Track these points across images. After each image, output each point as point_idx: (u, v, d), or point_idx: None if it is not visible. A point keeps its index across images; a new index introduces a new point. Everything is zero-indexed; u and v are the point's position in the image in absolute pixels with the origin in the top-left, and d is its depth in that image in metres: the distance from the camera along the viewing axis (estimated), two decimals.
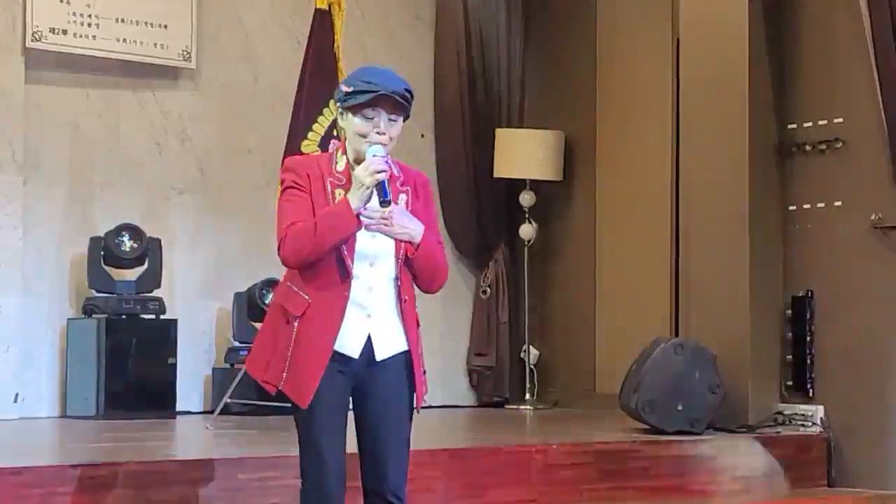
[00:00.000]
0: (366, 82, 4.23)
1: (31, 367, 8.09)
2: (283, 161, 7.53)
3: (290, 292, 4.25)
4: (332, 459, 4.21)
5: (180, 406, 8.20)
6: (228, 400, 7.90)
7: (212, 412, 8.09)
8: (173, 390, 8.11)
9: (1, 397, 7.89)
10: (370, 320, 4.24)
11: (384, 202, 4.16)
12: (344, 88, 4.27)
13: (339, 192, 4.22)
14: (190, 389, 8.48)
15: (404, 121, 4.33)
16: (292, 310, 4.22)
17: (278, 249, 4.21)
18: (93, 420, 7.85)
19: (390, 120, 4.26)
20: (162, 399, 8.04)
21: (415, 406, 4.34)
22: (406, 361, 4.30)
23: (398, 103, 4.25)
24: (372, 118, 4.23)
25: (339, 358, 4.21)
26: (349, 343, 4.22)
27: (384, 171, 4.15)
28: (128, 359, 8.01)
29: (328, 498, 4.22)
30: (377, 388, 4.27)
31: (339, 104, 4.30)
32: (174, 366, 8.10)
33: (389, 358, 4.27)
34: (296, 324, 4.20)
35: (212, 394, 8.48)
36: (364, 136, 4.23)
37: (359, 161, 4.24)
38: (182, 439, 7.39)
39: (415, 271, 4.30)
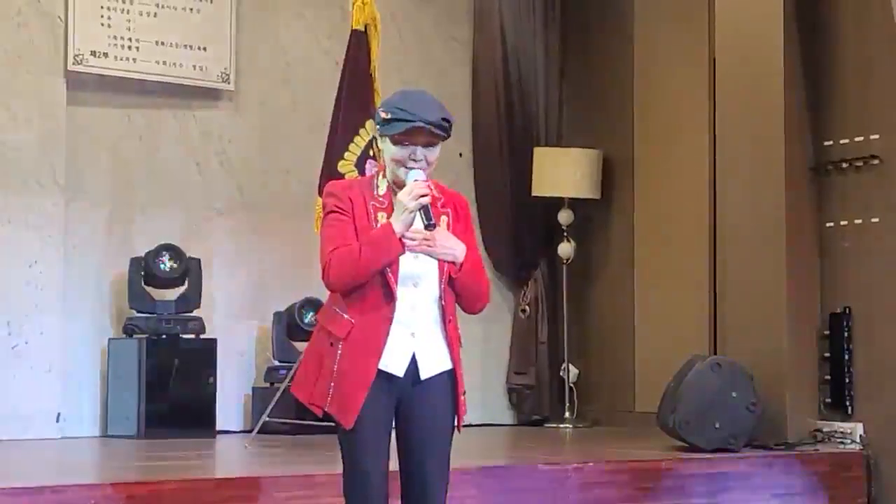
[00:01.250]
0: (402, 110, 4.23)
1: (72, 387, 8.16)
2: (320, 181, 7.64)
3: (334, 314, 4.28)
4: (375, 479, 4.23)
5: (220, 425, 8.25)
6: (267, 419, 7.95)
7: (251, 431, 8.15)
8: (213, 410, 8.16)
9: (43, 417, 7.97)
10: (414, 339, 4.26)
11: (429, 226, 4.18)
12: (382, 114, 4.28)
13: (382, 216, 4.25)
14: (230, 409, 8.53)
15: (444, 140, 4.34)
16: (336, 332, 4.24)
17: (323, 274, 4.23)
18: (134, 440, 7.91)
19: (427, 147, 4.27)
20: (202, 418, 8.09)
21: (456, 426, 4.35)
22: (450, 380, 4.32)
23: (434, 133, 4.26)
24: (408, 145, 4.25)
25: (385, 377, 4.24)
26: (394, 362, 4.24)
27: (427, 194, 4.17)
28: (168, 378, 8.08)
29: None
30: (421, 407, 4.29)
31: (377, 128, 4.33)
32: (214, 385, 8.16)
33: (434, 377, 4.29)
34: (340, 346, 4.23)
35: (251, 413, 8.53)
36: (398, 161, 4.27)
37: (398, 184, 4.27)
38: (221, 458, 7.43)
39: (458, 291, 4.32)
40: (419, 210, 4.17)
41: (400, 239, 4.17)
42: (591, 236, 9.61)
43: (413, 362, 4.27)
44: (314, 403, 4.29)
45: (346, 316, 4.24)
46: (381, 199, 4.29)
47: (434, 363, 4.29)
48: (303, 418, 7.88)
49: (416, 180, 4.20)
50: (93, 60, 8.30)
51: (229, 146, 8.83)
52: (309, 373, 4.32)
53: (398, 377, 4.25)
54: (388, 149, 4.29)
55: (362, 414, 4.20)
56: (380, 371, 4.23)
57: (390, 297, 4.22)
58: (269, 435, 7.99)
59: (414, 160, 4.25)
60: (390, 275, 4.22)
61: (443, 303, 4.29)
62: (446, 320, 4.30)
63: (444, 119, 4.27)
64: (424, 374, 4.28)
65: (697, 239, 8.84)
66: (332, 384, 4.22)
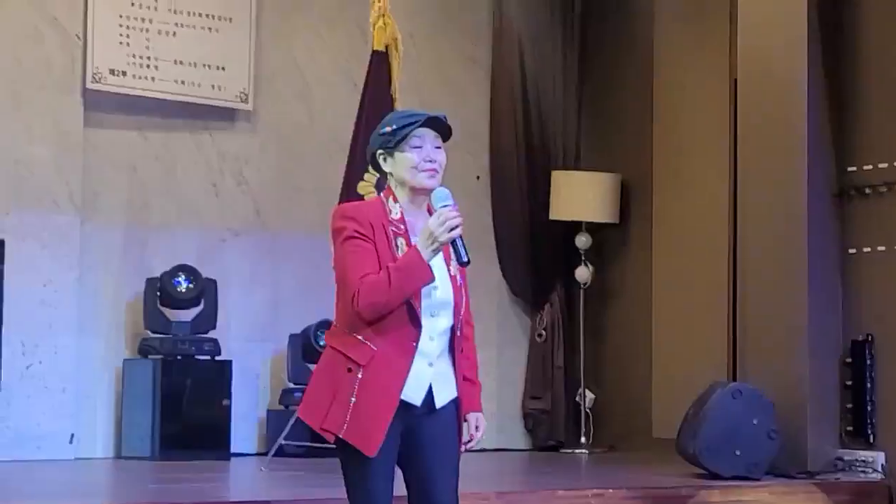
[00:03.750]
0: (406, 116, 4.25)
1: (87, 407, 8.11)
2: (340, 202, 7.59)
3: (353, 341, 4.19)
4: None
5: (235, 448, 8.20)
6: (283, 442, 7.89)
7: (266, 454, 8.08)
8: (228, 432, 8.10)
9: (57, 438, 7.92)
10: (431, 369, 4.22)
11: (463, 263, 4.16)
12: (386, 129, 4.25)
13: (401, 241, 4.19)
14: (245, 431, 8.46)
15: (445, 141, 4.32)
16: (357, 358, 4.17)
17: (352, 302, 4.13)
18: (148, 461, 7.85)
19: (436, 148, 4.25)
20: (217, 440, 8.04)
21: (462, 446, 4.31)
22: (456, 408, 4.29)
23: (444, 126, 4.25)
24: (420, 146, 4.22)
25: (402, 406, 4.18)
26: (413, 392, 4.19)
27: (459, 226, 4.12)
28: (183, 400, 8.03)
29: None
30: (431, 435, 4.24)
31: (380, 150, 4.28)
32: (229, 407, 8.10)
33: (445, 405, 4.26)
34: (360, 373, 4.15)
35: (266, 435, 8.46)
36: (416, 167, 4.21)
37: (417, 194, 4.22)
38: (235, 481, 7.38)
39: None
40: (451, 243, 4.12)
41: (428, 267, 4.12)
42: (608, 260, 9.55)
43: (430, 391, 4.22)
44: (326, 430, 4.20)
45: (367, 343, 4.17)
46: (397, 223, 4.23)
47: (446, 392, 4.26)
48: (318, 442, 7.83)
49: (445, 205, 4.14)
50: (111, 79, 8.27)
51: (246, 166, 8.79)
52: (320, 398, 4.22)
53: (415, 406, 4.20)
54: (400, 161, 4.23)
55: None
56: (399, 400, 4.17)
57: (416, 325, 4.17)
58: (284, 458, 7.93)
59: (428, 161, 4.20)
60: (416, 304, 4.17)
61: (457, 333, 4.26)
62: (458, 349, 4.27)
63: (444, 116, 4.28)
64: (439, 403, 4.23)
65: (717, 264, 8.77)
66: (350, 411, 4.15)
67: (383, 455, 4.16)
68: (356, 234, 4.18)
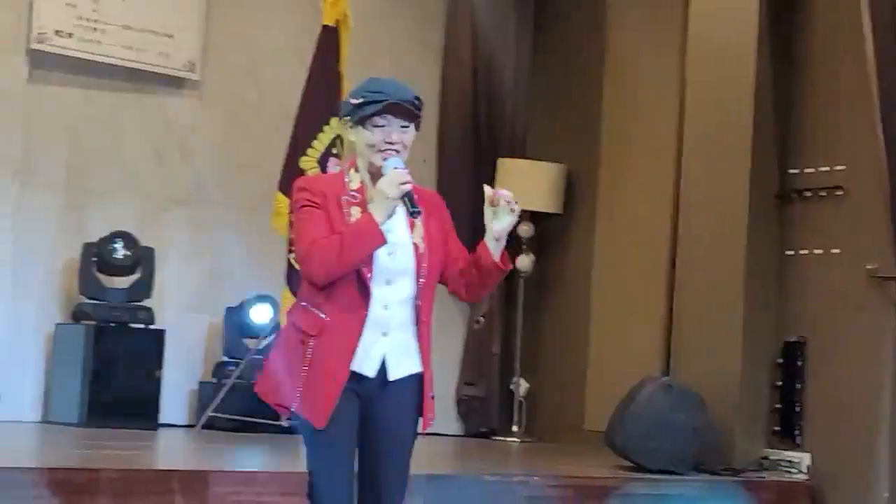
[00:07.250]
0: (374, 92, 4.17)
1: (16, 368, 8.01)
2: (281, 177, 7.58)
3: (306, 311, 4.16)
4: (344, 483, 4.14)
5: (164, 418, 8.13)
6: (214, 414, 7.86)
7: (195, 426, 8.04)
8: (157, 402, 8.03)
9: None
10: (385, 339, 4.16)
11: (414, 213, 4.12)
12: (352, 101, 4.20)
13: (355, 210, 4.16)
14: (175, 402, 8.38)
15: (416, 130, 4.27)
16: (308, 329, 4.13)
17: (302, 266, 4.13)
18: (75, 427, 7.78)
19: (402, 128, 4.20)
20: (146, 410, 7.97)
21: (420, 430, 4.26)
22: (418, 384, 4.23)
23: (408, 111, 4.19)
24: (383, 126, 4.17)
25: (354, 377, 4.13)
26: (364, 363, 4.14)
27: (408, 181, 4.09)
28: (114, 367, 7.95)
29: None
30: (386, 409, 4.19)
31: (347, 118, 4.24)
32: (160, 377, 8.03)
33: (401, 379, 4.20)
34: (311, 343, 4.11)
35: (197, 407, 8.41)
36: (373, 145, 4.17)
37: (373, 174, 4.18)
38: (162, 450, 7.34)
39: (482, 281, 4.33)
40: (402, 198, 4.09)
41: (381, 230, 4.08)
42: (550, 250, 9.56)
43: (383, 363, 4.17)
44: (280, 404, 4.17)
45: (318, 313, 4.13)
46: (353, 193, 4.19)
47: (403, 366, 4.20)
48: (249, 415, 7.82)
49: (395, 168, 4.12)
50: (57, 40, 8.17)
51: (191, 137, 8.72)
52: (276, 372, 4.19)
53: (368, 378, 4.15)
54: (361, 136, 4.19)
55: (332, 416, 4.09)
56: (350, 371, 4.12)
57: (365, 293, 4.12)
58: (214, 431, 7.89)
59: (390, 143, 4.17)
60: (365, 271, 4.12)
61: (417, 302, 4.20)
62: (419, 321, 4.21)
63: (416, 97, 4.22)
64: (392, 376, 4.17)
65: (657, 260, 8.78)
66: (302, 384, 4.10)
67: (340, 430, 4.11)
68: (308, 203, 4.17)
